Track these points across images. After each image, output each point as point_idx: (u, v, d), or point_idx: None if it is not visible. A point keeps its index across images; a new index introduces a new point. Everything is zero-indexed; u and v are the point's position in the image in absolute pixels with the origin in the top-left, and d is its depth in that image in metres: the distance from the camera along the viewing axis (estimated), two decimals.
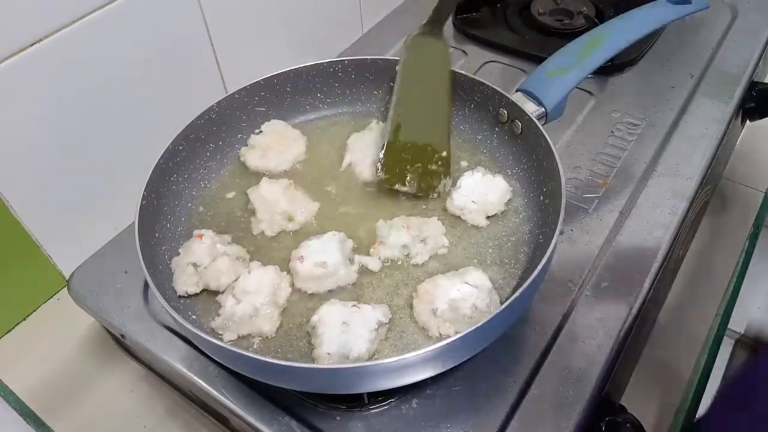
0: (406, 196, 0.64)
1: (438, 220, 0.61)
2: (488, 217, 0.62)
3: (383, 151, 0.64)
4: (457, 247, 0.60)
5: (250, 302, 0.54)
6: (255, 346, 0.54)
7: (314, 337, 0.53)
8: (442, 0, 0.73)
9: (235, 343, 0.54)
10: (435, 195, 0.64)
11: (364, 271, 0.58)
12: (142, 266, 0.51)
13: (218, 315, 0.55)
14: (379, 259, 0.59)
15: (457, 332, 0.47)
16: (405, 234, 0.59)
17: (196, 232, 0.59)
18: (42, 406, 0.64)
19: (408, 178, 0.63)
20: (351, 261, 0.58)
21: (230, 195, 0.66)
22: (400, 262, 0.59)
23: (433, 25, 0.71)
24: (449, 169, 0.64)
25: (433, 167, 0.64)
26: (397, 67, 0.69)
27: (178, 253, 0.58)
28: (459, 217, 0.62)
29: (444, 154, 0.64)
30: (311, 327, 0.53)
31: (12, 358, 0.67)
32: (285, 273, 0.58)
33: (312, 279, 0.56)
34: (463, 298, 0.52)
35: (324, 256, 0.57)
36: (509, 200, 0.63)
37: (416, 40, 0.70)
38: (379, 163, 0.64)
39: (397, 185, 0.63)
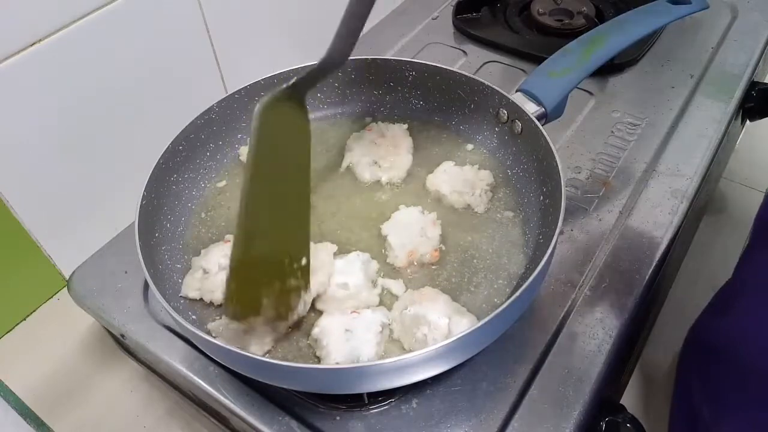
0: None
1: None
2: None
3: (229, 274, 0.48)
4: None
5: None
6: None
7: (319, 349, 0.52)
8: (321, 64, 0.55)
9: None
10: (294, 318, 0.52)
11: (386, 293, 0.57)
12: (142, 266, 0.51)
13: (218, 316, 0.55)
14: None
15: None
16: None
17: (228, 236, 0.59)
18: (42, 406, 0.64)
19: (264, 302, 0.49)
20: (374, 283, 0.56)
21: (230, 195, 0.66)
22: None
23: (297, 90, 0.55)
24: (309, 279, 0.52)
25: (293, 282, 0.51)
26: (245, 146, 0.62)
27: (199, 253, 0.58)
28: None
29: (304, 261, 0.51)
30: (313, 340, 0.53)
31: (12, 358, 0.67)
32: None
33: (334, 300, 0.54)
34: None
35: (345, 277, 0.55)
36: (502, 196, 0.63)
37: (271, 106, 0.53)
38: (225, 290, 0.49)
39: (250, 318, 0.49)
